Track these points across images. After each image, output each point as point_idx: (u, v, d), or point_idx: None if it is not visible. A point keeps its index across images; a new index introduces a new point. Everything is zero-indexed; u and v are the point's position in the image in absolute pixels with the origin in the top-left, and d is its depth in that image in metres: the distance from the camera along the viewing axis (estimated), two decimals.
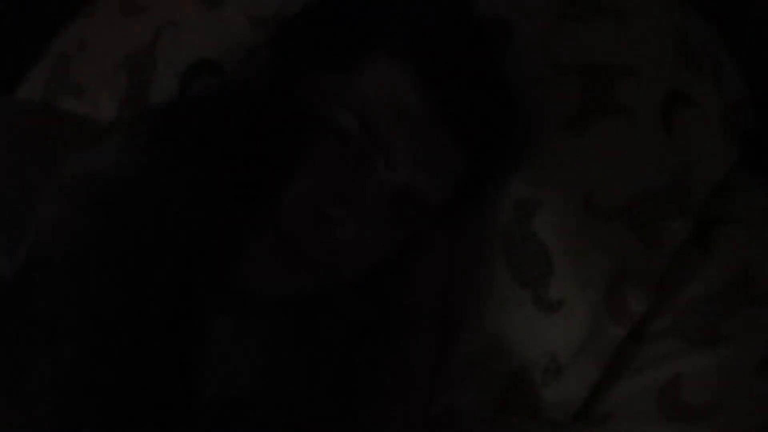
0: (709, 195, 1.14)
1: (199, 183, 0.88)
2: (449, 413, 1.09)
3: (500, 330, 1.08)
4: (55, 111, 1.16)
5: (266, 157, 0.93)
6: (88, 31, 1.30)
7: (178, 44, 1.22)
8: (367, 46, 1.00)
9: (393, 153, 0.98)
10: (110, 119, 1.20)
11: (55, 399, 0.82)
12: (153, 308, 0.85)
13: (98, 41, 1.28)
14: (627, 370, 1.09)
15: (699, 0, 1.22)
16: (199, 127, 0.92)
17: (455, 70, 1.01)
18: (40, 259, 0.83)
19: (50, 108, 1.21)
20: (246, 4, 1.22)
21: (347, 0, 1.05)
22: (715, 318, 1.09)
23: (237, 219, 0.92)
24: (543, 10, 1.17)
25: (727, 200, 1.16)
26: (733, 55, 1.21)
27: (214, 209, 0.90)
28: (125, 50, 1.24)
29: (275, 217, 0.95)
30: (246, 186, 0.92)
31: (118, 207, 0.85)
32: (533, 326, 1.08)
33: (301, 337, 1.02)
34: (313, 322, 1.03)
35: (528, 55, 1.14)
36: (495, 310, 1.09)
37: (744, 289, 1.10)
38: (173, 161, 0.88)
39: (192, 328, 0.89)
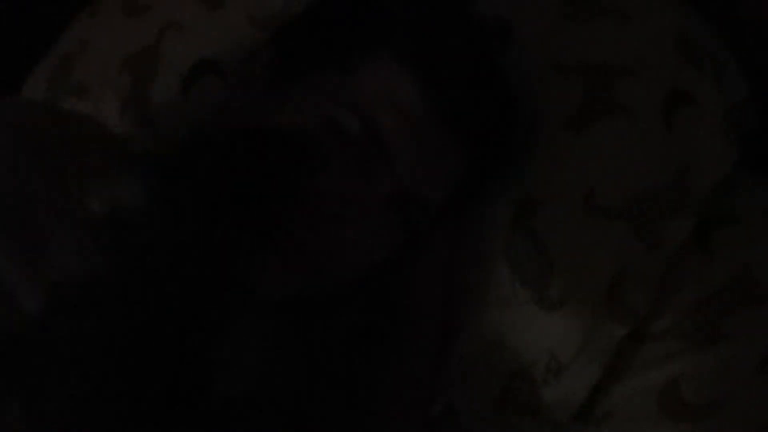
0: (709, 195, 1.14)
1: (216, 211, 0.90)
2: (449, 413, 1.09)
3: (500, 329, 1.09)
4: (57, 111, 1.16)
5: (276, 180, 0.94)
6: (90, 31, 1.30)
7: (181, 45, 1.22)
8: (368, 47, 1.00)
9: (393, 153, 0.98)
10: (112, 119, 1.21)
11: (70, 403, 0.83)
12: (173, 318, 0.86)
13: (100, 41, 1.28)
14: (627, 370, 1.09)
15: (699, 0, 1.22)
16: (212, 165, 0.93)
17: (455, 70, 1.01)
18: (65, 291, 0.84)
19: (53, 108, 1.21)
20: (248, 5, 1.22)
21: (348, 1, 1.05)
22: (716, 318, 1.09)
23: (250, 232, 0.93)
24: (543, 10, 1.17)
25: (728, 200, 1.16)
26: (734, 55, 1.21)
27: (229, 226, 0.91)
28: (127, 50, 1.24)
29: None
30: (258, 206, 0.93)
31: (141, 243, 0.86)
32: (533, 325, 1.08)
33: (300, 338, 1.02)
34: (312, 323, 1.03)
35: (528, 55, 1.14)
36: (495, 309, 1.09)
37: (744, 289, 1.10)
38: (193, 199, 0.90)
39: (209, 333, 0.90)
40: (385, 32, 1.01)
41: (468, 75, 1.03)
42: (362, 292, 1.06)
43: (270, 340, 1.00)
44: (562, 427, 1.09)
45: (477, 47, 1.06)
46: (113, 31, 1.27)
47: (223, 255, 0.90)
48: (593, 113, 1.12)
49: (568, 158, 1.11)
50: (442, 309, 1.09)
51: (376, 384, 1.07)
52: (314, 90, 1.00)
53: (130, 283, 0.85)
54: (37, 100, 1.28)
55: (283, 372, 1.00)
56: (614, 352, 1.09)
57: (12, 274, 0.88)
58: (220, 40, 1.20)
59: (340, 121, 0.98)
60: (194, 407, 0.90)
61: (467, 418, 1.09)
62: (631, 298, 1.09)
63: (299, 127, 0.98)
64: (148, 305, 0.85)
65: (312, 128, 0.98)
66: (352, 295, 1.06)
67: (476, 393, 1.09)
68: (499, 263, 1.09)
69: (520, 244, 1.09)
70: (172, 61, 1.21)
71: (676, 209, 1.11)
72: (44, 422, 0.83)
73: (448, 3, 1.07)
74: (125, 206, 0.87)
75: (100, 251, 0.86)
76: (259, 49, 1.10)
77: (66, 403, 0.83)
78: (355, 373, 1.06)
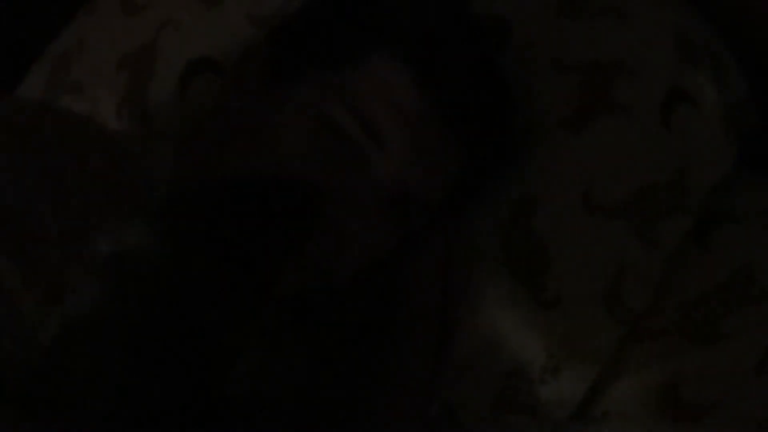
0: (709, 194, 1.14)
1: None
2: (447, 411, 1.09)
3: (498, 328, 1.08)
4: (55, 110, 1.16)
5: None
6: (88, 29, 1.30)
7: (178, 42, 1.22)
8: (366, 45, 1.00)
9: (391, 151, 0.98)
10: (109, 118, 1.20)
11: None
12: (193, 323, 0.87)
13: (98, 40, 1.28)
14: (626, 369, 1.09)
15: None
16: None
17: (453, 68, 1.01)
18: (76, 325, 0.85)
19: (50, 107, 1.21)
20: (246, 3, 1.22)
21: None
22: (715, 316, 1.09)
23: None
24: (541, 8, 1.17)
25: (728, 199, 1.16)
26: (734, 54, 1.21)
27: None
28: (125, 49, 1.24)
29: None
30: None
31: (151, 279, 0.88)
32: (531, 324, 1.07)
33: (298, 336, 1.02)
34: (311, 321, 1.03)
35: (527, 53, 1.14)
36: (493, 308, 1.08)
37: (744, 288, 1.10)
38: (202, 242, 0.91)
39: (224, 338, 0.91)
40: (383, 31, 1.01)
41: (466, 74, 1.03)
42: (361, 290, 1.06)
43: (270, 339, 1.00)
44: (561, 426, 1.08)
45: (475, 46, 1.06)
46: (111, 29, 1.27)
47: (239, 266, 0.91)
48: (592, 112, 1.11)
49: (567, 157, 1.11)
50: (440, 307, 1.09)
51: (374, 382, 1.07)
52: (312, 88, 1.00)
53: (142, 302, 0.86)
54: (35, 98, 1.28)
55: (282, 369, 1.00)
56: (613, 350, 1.08)
57: (10, 273, 0.88)
58: (217, 39, 1.20)
59: (338, 120, 0.97)
60: (201, 413, 0.90)
61: (465, 417, 1.09)
62: (630, 297, 1.09)
63: (299, 127, 0.98)
64: (163, 318, 0.86)
65: (309, 128, 0.98)
66: (350, 294, 1.06)
67: (474, 392, 1.08)
68: (497, 261, 1.09)
69: (519, 243, 1.09)
70: (170, 59, 1.21)
71: (675, 208, 1.11)
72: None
73: (447, 1, 1.06)
74: (132, 245, 0.88)
75: (107, 282, 0.86)
76: (256, 46, 1.10)
77: (83, 418, 0.84)
78: (354, 371, 1.06)
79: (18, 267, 0.87)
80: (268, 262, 0.92)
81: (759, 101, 1.22)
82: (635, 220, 1.09)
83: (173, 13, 1.23)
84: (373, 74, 0.99)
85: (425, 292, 1.09)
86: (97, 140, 1.01)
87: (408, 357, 1.08)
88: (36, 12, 1.44)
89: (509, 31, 1.16)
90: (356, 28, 1.02)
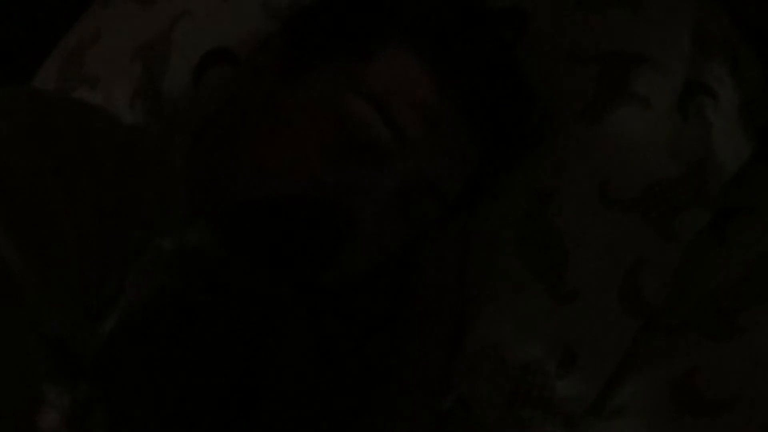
0: (726, 186, 1.13)
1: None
2: (461, 405, 1.09)
3: (513, 321, 1.07)
4: (67, 101, 1.15)
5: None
6: (102, 20, 1.30)
7: (193, 34, 1.22)
8: (381, 36, 1.00)
9: (410, 142, 0.98)
10: (123, 109, 1.20)
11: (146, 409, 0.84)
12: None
13: (113, 31, 1.27)
14: (642, 363, 1.08)
15: None
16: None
17: (469, 60, 1.01)
18: (137, 312, 0.86)
19: (63, 98, 1.21)
20: None
21: None
22: (732, 310, 1.08)
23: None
24: None
25: (745, 191, 1.16)
26: (751, 46, 1.20)
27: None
28: (140, 40, 1.24)
29: None
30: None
31: (211, 273, 0.88)
32: (547, 317, 1.07)
33: (314, 331, 1.01)
34: (328, 314, 1.03)
35: (544, 44, 1.14)
36: (508, 301, 1.08)
37: (761, 281, 1.10)
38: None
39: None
40: (398, 21, 1.01)
41: (482, 65, 1.02)
42: (377, 283, 1.06)
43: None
44: (576, 419, 1.08)
45: (491, 37, 1.06)
46: (125, 20, 1.27)
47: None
48: (609, 103, 1.11)
49: (584, 149, 1.11)
50: (455, 301, 1.09)
51: (388, 376, 1.06)
52: (328, 79, 0.99)
53: (196, 297, 0.87)
54: (49, 89, 1.28)
55: (300, 367, 1.00)
56: (629, 344, 1.08)
57: (19, 262, 0.87)
58: (233, 29, 1.20)
59: (355, 112, 0.97)
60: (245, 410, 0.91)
61: (479, 411, 1.08)
62: (647, 291, 1.08)
63: (315, 119, 0.98)
64: (212, 316, 0.87)
65: (326, 120, 0.97)
66: (366, 287, 1.06)
67: (489, 385, 1.08)
68: (513, 255, 1.09)
69: (535, 236, 1.09)
70: (185, 50, 1.21)
71: (691, 200, 1.11)
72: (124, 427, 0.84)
73: None
74: (194, 246, 0.89)
75: (169, 274, 0.87)
76: (272, 37, 1.09)
77: (142, 409, 0.84)
78: (369, 364, 1.06)
79: (25, 257, 0.87)
80: (306, 266, 0.93)
81: None
82: (652, 213, 1.09)
83: (188, 4, 1.23)
84: (389, 65, 0.99)
85: (441, 285, 1.09)
86: (111, 134, 1.01)
87: (422, 351, 1.08)
88: (52, 3, 1.44)
89: (525, 22, 1.15)
90: (372, 18, 1.02)
